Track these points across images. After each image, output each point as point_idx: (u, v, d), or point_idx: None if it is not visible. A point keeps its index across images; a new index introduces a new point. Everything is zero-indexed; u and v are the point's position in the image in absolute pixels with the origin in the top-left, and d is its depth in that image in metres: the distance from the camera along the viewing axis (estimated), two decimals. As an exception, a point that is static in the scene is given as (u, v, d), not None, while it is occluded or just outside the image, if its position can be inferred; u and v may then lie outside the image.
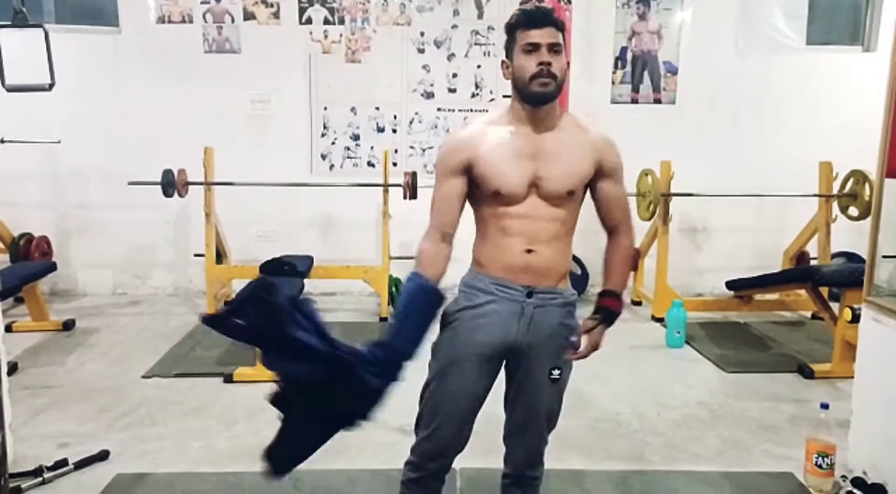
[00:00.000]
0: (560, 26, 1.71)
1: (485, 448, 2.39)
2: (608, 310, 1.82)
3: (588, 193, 1.83)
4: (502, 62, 1.76)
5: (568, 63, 1.75)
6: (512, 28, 1.72)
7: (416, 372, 1.96)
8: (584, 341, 1.80)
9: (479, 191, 1.76)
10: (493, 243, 1.75)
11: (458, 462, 2.50)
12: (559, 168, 1.72)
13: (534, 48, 1.67)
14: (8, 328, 4.23)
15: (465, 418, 1.83)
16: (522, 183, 1.71)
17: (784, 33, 5.29)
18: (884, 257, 2.79)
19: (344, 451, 2.81)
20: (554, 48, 1.68)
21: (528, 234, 1.72)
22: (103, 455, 2.68)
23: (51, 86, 2.55)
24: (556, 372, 1.80)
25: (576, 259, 5.37)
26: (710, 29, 5.25)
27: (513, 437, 1.90)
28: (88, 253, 5.34)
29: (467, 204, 1.81)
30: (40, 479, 2.48)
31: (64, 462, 2.57)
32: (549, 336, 1.78)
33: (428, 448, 1.84)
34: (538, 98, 1.69)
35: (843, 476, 2.54)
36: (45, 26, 2.63)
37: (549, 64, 1.66)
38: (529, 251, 1.72)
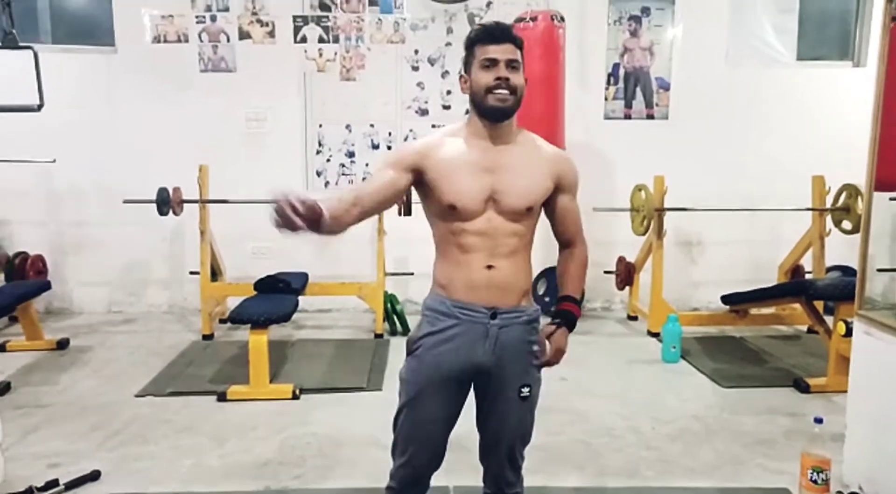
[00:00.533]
0: (518, 43, 1.71)
1: (477, 466, 2.38)
2: (567, 313, 1.81)
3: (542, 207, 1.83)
4: (461, 77, 1.76)
5: (526, 80, 1.73)
6: (471, 43, 1.72)
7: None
8: (547, 346, 1.79)
9: (434, 205, 1.74)
10: (453, 261, 1.74)
11: (451, 481, 2.52)
12: (517, 183, 1.71)
13: (492, 64, 1.67)
14: (2, 348, 4.24)
15: (438, 443, 1.84)
16: (478, 197, 1.69)
17: (774, 48, 5.35)
18: (878, 270, 2.79)
19: (337, 468, 2.80)
20: (512, 64, 1.68)
21: (488, 250, 1.71)
22: (94, 475, 2.66)
23: (39, 107, 2.56)
24: (525, 390, 1.79)
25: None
26: (701, 45, 5.29)
27: (487, 456, 1.90)
28: (84, 271, 5.33)
29: (427, 224, 1.80)
30: (30, 500, 2.47)
31: (55, 483, 2.55)
32: (516, 355, 1.77)
33: (405, 474, 1.86)
34: (496, 112, 1.68)
35: (838, 492, 2.53)
36: (34, 48, 2.65)
37: (507, 79, 1.66)
38: (490, 267, 1.71)
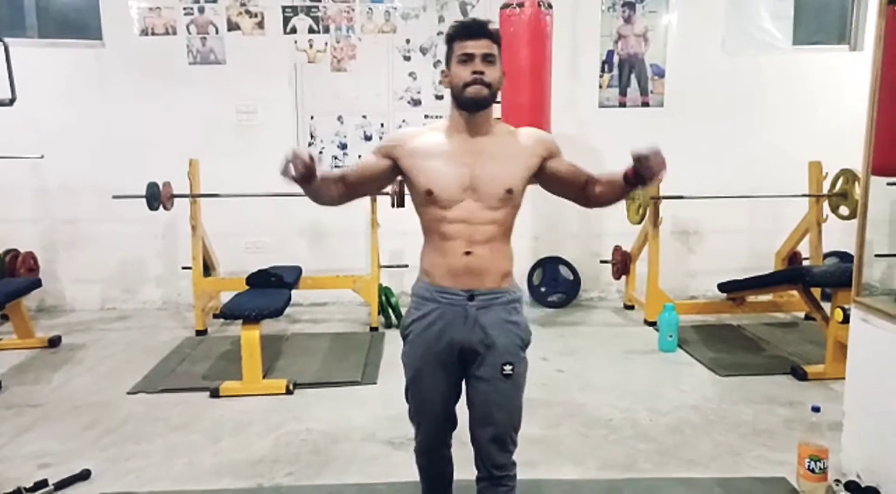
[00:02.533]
0: (495, 38, 1.79)
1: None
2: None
3: (544, 188, 1.95)
4: (442, 71, 1.87)
5: (504, 73, 1.82)
6: (450, 39, 1.81)
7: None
8: (647, 156, 1.70)
9: (414, 194, 1.86)
10: (436, 248, 1.85)
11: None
12: (496, 169, 1.80)
13: (468, 58, 1.76)
14: (-7, 346, 4.20)
15: (444, 413, 1.95)
16: (456, 185, 1.79)
17: (771, 34, 5.28)
18: (876, 256, 2.76)
19: (331, 464, 2.77)
20: (488, 58, 1.77)
21: (466, 237, 1.80)
22: (85, 475, 2.63)
23: (11, 101, 2.50)
24: (507, 367, 1.85)
25: (568, 265, 5.35)
26: (696, 31, 5.24)
27: (476, 437, 1.92)
28: (76, 268, 5.29)
29: (414, 213, 1.90)
30: (19, 501, 2.44)
31: (44, 483, 2.52)
32: (497, 334, 1.83)
33: (422, 439, 2.02)
34: (472, 103, 1.78)
35: (836, 480, 2.51)
36: (4, 40, 2.59)
37: (483, 72, 1.76)
38: (468, 253, 1.80)
